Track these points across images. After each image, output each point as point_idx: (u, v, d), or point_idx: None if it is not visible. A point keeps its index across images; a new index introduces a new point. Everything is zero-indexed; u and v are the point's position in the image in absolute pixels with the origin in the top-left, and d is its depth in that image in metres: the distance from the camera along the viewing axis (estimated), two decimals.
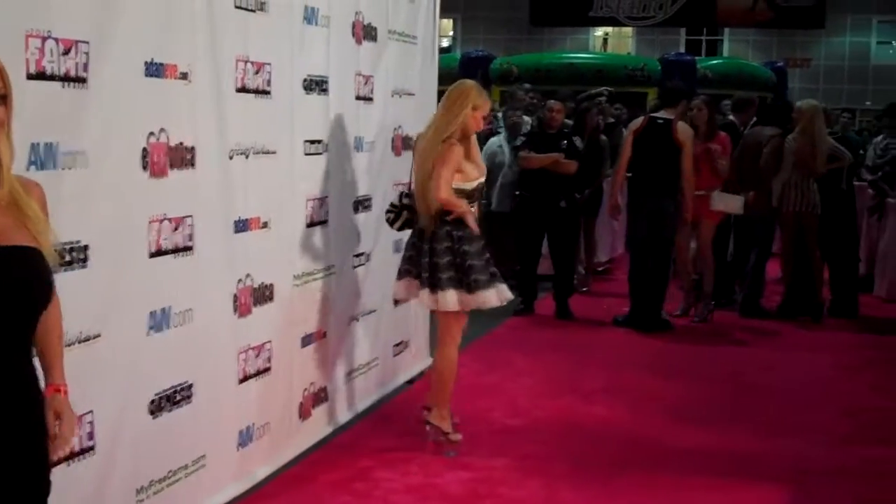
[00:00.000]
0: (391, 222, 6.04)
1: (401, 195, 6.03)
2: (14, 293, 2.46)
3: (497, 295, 5.74)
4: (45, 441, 2.68)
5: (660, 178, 9.01)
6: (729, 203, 9.44)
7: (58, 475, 2.77)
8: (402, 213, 5.94)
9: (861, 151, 12.04)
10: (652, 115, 9.32)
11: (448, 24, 32.15)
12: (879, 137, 12.12)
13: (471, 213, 5.67)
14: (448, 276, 5.66)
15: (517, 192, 9.89)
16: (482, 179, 5.80)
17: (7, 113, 2.45)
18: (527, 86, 13.06)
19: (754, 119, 10.54)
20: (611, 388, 7.35)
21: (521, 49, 27.36)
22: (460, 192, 5.66)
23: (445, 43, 31.27)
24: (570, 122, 10.45)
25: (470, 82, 5.90)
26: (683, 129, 9.08)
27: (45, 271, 2.54)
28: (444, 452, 5.76)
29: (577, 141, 9.71)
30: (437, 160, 5.61)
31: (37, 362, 2.75)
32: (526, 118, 11.46)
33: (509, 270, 10.88)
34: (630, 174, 9.41)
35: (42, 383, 2.74)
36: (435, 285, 5.68)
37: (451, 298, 5.67)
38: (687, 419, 6.63)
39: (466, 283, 5.65)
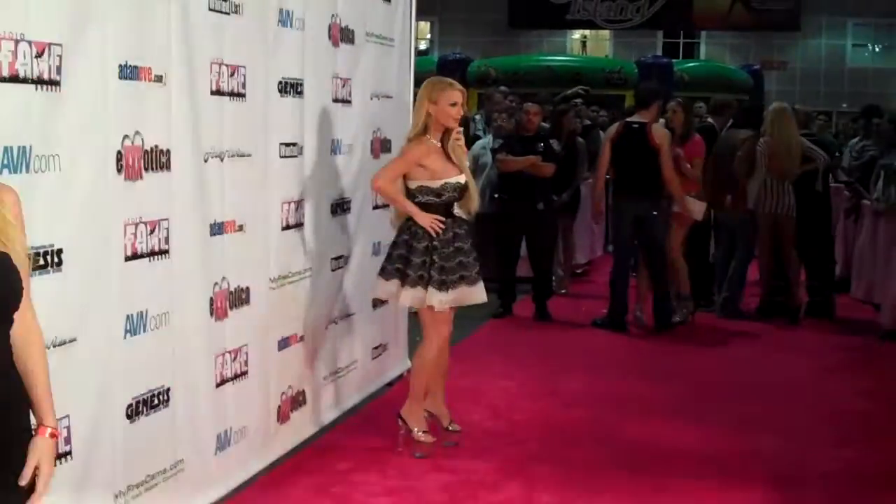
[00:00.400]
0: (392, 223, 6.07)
1: None
2: None
3: (411, 296, 5.68)
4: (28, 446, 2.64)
5: (640, 182, 9.03)
6: (690, 208, 9.44)
7: None
8: None
9: (837, 153, 12.08)
10: (627, 120, 9.32)
11: (426, 26, 32.14)
12: (855, 139, 12.18)
13: (415, 211, 5.63)
14: (394, 267, 5.69)
15: (496, 195, 9.91)
16: (451, 180, 5.69)
17: None
18: (503, 88, 13.10)
19: (730, 122, 10.57)
20: (590, 390, 7.36)
21: (499, 52, 27.36)
22: (428, 191, 5.65)
23: (423, 45, 31.27)
24: (545, 125, 10.46)
25: (430, 78, 5.92)
26: (659, 132, 9.11)
27: (8, 276, 2.51)
28: (412, 453, 5.74)
29: (555, 144, 9.73)
30: (397, 156, 5.74)
31: None
32: None
33: (488, 269, 10.94)
34: (610, 178, 9.46)
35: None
36: (381, 272, 5.77)
37: (387, 288, 5.74)
38: (666, 421, 6.64)
39: (403, 277, 5.67)
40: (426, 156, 5.65)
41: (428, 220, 5.64)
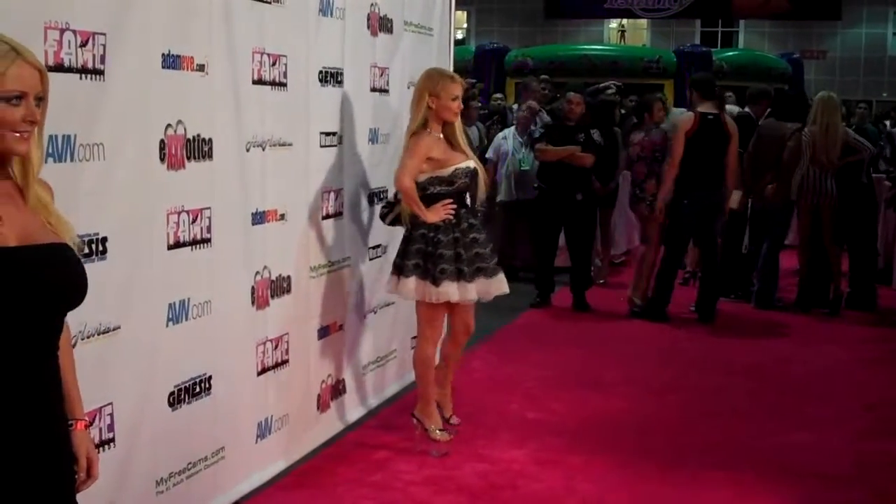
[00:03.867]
0: (383, 217, 5.98)
1: (396, 193, 5.87)
2: (55, 290, 2.45)
3: (458, 291, 5.54)
4: (71, 448, 2.65)
5: (715, 173, 9.01)
6: (734, 198, 9.41)
7: None
8: (394, 207, 5.84)
9: (880, 142, 11.97)
10: (700, 111, 9.16)
11: (462, 15, 32.09)
12: None
13: (424, 212, 5.52)
14: (414, 263, 5.56)
15: (535, 185, 9.91)
16: (461, 165, 5.59)
17: (43, 115, 2.46)
18: (545, 77, 13.11)
19: (768, 111, 10.45)
20: (628, 379, 7.34)
21: (536, 41, 27.29)
22: (438, 181, 5.56)
23: (459, 35, 31.23)
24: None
25: (429, 70, 5.82)
26: (731, 121, 9.17)
27: (81, 265, 2.54)
28: (430, 452, 5.67)
29: (595, 134, 9.68)
30: (404, 152, 5.63)
31: None
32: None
33: (520, 260, 11.01)
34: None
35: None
36: (400, 270, 5.62)
37: (410, 286, 5.58)
38: (704, 412, 6.62)
39: (432, 275, 5.52)
40: (433, 148, 5.56)
41: (439, 213, 5.54)
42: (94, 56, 3.63)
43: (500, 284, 5.75)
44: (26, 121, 2.38)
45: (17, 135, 2.38)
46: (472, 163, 5.67)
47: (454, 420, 6.03)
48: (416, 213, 5.57)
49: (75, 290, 2.49)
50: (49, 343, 2.48)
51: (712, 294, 9.36)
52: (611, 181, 10.54)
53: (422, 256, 5.55)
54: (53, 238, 2.47)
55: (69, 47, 3.50)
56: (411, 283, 5.57)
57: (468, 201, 5.71)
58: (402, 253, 5.66)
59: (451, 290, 5.53)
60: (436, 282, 5.51)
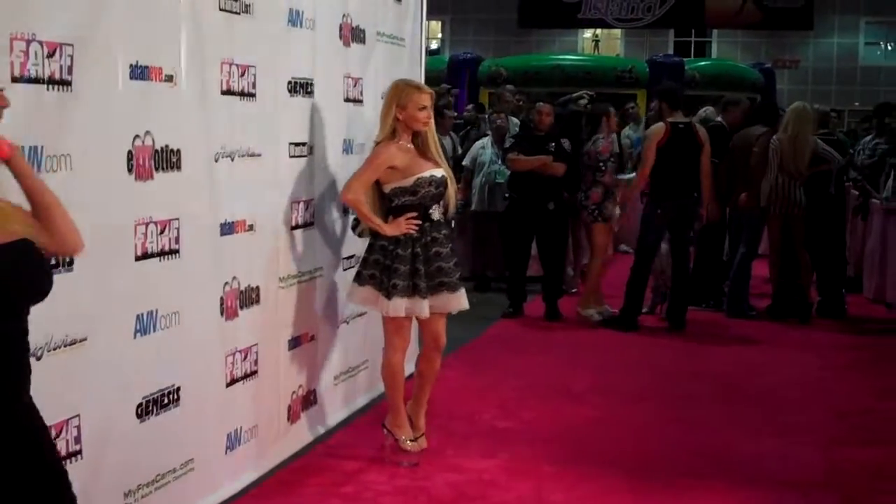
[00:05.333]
0: (353, 228, 5.97)
1: None
2: (17, 285, 2.45)
3: (410, 306, 5.50)
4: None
5: (687, 182, 9.08)
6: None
7: None
8: None
9: (851, 151, 12.05)
10: (670, 121, 9.19)
11: (437, 26, 32.13)
12: (868, 137, 12.15)
13: (381, 225, 5.48)
14: (370, 274, 5.55)
15: (506, 195, 9.92)
16: (424, 174, 5.51)
17: None
18: (510, 87, 13.14)
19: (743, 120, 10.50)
20: (600, 388, 7.35)
21: (511, 51, 27.36)
22: (402, 191, 5.51)
23: (434, 45, 31.26)
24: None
25: (396, 81, 5.74)
26: (702, 130, 9.27)
27: (37, 260, 2.54)
28: (400, 462, 5.64)
29: (566, 143, 9.70)
30: (363, 162, 5.63)
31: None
32: (514, 119, 11.52)
33: (496, 271, 11.03)
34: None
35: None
36: (357, 278, 5.63)
37: (363, 296, 5.59)
38: (675, 420, 6.64)
39: (385, 288, 5.49)
40: (395, 157, 5.49)
41: (399, 227, 5.49)
42: (61, 67, 3.62)
43: (460, 300, 5.70)
44: None
45: None
46: (440, 171, 5.60)
47: (421, 442, 5.87)
48: (371, 226, 5.55)
49: (32, 284, 2.49)
50: (19, 338, 2.47)
51: (683, 302, 9.40)
52: (579, 191, 10.54)
53: (379, 268, 5.53)
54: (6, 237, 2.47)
55: (36, 58, 3.49)
56: (365, 292, 5.58)
57: (435, 214, 5.64)
58: (362, 262, 5.66)
59: (401, 306, 5.49)
60: (388, 295, 5.48)
